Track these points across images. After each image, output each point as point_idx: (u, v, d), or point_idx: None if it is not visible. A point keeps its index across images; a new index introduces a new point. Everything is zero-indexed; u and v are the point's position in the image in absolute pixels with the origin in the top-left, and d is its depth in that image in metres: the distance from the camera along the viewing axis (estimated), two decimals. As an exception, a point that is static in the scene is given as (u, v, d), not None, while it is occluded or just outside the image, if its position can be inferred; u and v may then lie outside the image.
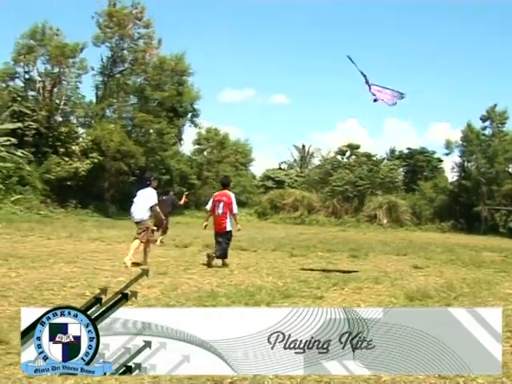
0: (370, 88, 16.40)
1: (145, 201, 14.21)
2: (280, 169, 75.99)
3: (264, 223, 46.97)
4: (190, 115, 53.93)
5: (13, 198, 34.28)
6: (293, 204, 55.57)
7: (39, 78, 43.92)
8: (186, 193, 25.25)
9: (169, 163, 49.80)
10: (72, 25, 79.01)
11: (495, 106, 53.50)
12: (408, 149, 67.72)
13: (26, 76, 44.01)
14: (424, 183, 58.12)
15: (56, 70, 43.74)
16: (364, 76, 16.42)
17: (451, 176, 59.03)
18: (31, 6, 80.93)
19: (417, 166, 65.15)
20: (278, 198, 56.83)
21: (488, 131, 54.30)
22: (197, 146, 63.34)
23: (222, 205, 14.44)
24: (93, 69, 46.43)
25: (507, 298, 10.91)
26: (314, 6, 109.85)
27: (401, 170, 65.08)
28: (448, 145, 55.89)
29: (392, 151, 69.35)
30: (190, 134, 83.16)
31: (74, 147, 41.74)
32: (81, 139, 43.76)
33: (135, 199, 14.45)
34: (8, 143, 35.94)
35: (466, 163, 55.56)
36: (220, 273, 12.67)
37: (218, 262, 14.38)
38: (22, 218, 31.03)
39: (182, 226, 33.76)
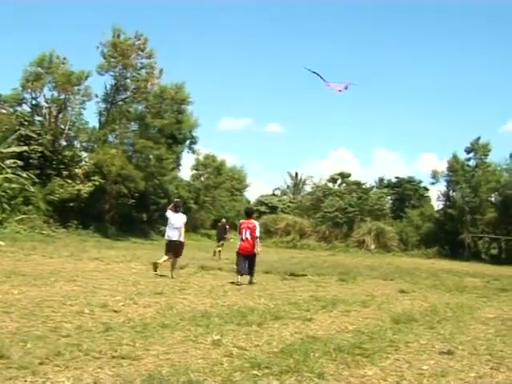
0: (324, 81, 19.74)
1: (181, 224, 16.37)
2: (274, 195, 76.25)
3: (257, 246, 46.76)
4: (188, 142, 53.93)
5: (17, 218, 34.20)
6: (285, 229, 55.72)
7: (45, 104, 44.13)
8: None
9: (167, 188, 49.81)
10: (78, 54, 79.36)
11: (479, 138, 54.11)
12: (396, 178, 68.12)
13: (33, 102, 44.27)
14: (411, 211, 58.44)
15: (62, 96, 43.96)
16: (320, 76, 19.63)
17: (437, 204, 59.57)
18: (39, 35, 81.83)
19: (404, 194, 65.40)
20: (271, 223, 56.95)
21: (472, 162, 54.78)
22: (194, 172, 63.45)
23: (249, 231, 15.80)
24: (96, 96, 46.78)
25: (488, 323, 10.90)
26: (309, 41, 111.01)
27: (389, 197, 65.36)
28: (434, 175, 56.30)
29: (381, 180, 69.58)
30: (188, 160, 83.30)
31: (76, 170, 41.88)
32: (83, 163, 43.87)
33: (171, 223, 16.44)
34: (14, 165, 36.02)
35: (451, 192, 55.81)
36: (214, 294, 12.62)
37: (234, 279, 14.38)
38: (25, 237, 30.91)
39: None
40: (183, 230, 16.52)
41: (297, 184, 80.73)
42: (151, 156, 47.02)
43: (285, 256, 32.95)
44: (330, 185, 63.77)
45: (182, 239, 16.40)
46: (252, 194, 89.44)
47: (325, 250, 49.65)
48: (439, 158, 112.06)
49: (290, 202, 71.40)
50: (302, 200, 68.99)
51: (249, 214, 17.08)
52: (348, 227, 55.52)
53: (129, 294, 11.44)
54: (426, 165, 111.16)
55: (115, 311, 9.43)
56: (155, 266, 16.11)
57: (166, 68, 48.34)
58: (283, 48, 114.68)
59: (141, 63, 46.82)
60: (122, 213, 45.35)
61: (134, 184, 43.55)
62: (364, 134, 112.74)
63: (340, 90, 19.60)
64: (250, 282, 15.48)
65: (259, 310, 10.50)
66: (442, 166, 56.75)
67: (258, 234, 16.04)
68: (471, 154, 54.73)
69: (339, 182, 63.56)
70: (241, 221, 16.85)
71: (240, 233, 16.11)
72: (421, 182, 66.10)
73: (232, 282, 15.16)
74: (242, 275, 15.49)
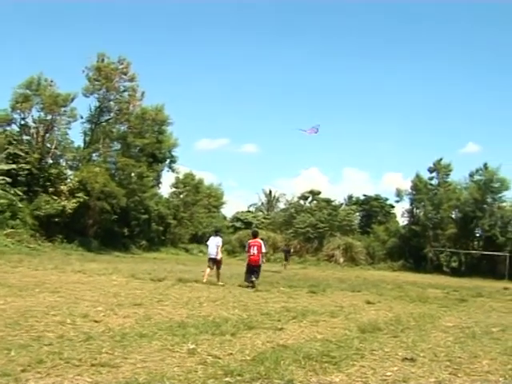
0: (304, 131, 29.98)
1: (218, 245, 19.97)
2: (249, 211, 76.22)
3: (233, 260, 46.63)
4: (168, 161, 54.03)
5: (5, 232, 33.93)
6: (259, 243, 55.51)
7: (33, 124, 43.91)
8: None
9: (148, 204, 49.78)
10: (64, 77, 79.10)
11: (441, 159, 54.96)
12: (364, 195, 68.66)
13: (22, 122, 43.95)
14: (378, 227, 58.99)
15: (49, 117, 43.77)
16: (303, 130, 28.54)
17: (402, 221, 59.99)
18: (28, 59, 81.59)
19: (371, 211, 65.96)
20: (246, 238, 56.70)
21: (434, 181, 55.43)
22: (174, 189, 63.17)
23: (256, 248, 19.29)
24: (82, 117, 46.74)
25: (448, 331, 10.97)
26: (283, 68, 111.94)
27: (357, 214, 65.83)
28: (398, 193, 56.82)
29: (349, 197, 70.06)
30: (168, 177, 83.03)
31: (62, 187, 41.66)
32: (69, 180, 43.73)
33: (210, 245, 20.19)
34: (3, 182, 35.78)
35: (415, 210, 56.32)
36: (190, 305, 12.53)
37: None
38: (12, 250, 30.66)
39: (158, 261, 33.54)
40: (220, 249, 20.08)
41: (270, 201, 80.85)
42: (133, 174, 47.03)
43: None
44: (302, 202, 64.03)
45: (219, 256, 19.94)
46: (228, 211, 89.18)
47: (297, 263, 49.58)
48: (404, 177, 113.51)
49: (264, 218, 71.42)
50: (275, 216, 69.13)
51: (255, 235, 21.02)
52: (319, 242, 55.75)
53: (109, 305, 11.34)
54: (392, 183, 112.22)
55: (96, 321, 9.33)
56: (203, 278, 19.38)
57: (148, 90, 48.41)
58: (259, 73, 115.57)
59: (123, 86, 46.95)
60: (104, 228, 45.10)
61: (116, 200, 43.42)
62: (334, 154, 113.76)
63: (310, 133, 32.22)
64: (253, 286, 18.36)
65: (233, 320, 10.46)
66: (407, 185, 57.56)
67: (264, 250, 19.80)
68: (434, 174, 55.47)
69: (310, 199, 63.84)
70: (249, 241, 20.13)
71: (248, 249, 19.57)
72: (387, 199, 66.79)
73: (246, 286, 18.30)
74: (249, 282, 18.57)
